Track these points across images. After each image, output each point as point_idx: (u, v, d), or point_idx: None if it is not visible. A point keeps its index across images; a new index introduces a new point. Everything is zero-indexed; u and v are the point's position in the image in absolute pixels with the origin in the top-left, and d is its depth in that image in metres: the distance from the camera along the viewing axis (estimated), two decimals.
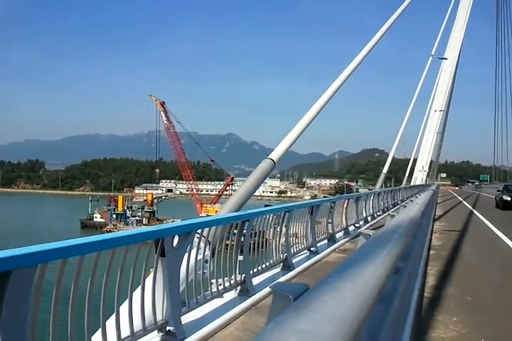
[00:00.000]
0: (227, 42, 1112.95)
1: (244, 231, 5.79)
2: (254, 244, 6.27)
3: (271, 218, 6.89)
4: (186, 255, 4.41)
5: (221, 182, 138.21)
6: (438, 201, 33.53)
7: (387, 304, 2.93)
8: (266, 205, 7.55)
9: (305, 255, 8.50)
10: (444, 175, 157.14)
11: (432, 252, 9.98)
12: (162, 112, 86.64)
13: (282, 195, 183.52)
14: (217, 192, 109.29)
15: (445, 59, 43.46)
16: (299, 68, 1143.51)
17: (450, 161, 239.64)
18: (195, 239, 4.67)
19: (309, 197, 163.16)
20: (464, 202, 35.53)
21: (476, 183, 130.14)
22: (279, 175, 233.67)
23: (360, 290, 1.71)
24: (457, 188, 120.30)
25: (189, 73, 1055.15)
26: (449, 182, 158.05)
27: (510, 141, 77.52)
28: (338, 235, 11.00)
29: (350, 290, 1.65)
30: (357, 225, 13.48)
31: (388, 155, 32.16)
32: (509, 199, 25.49)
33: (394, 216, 5.29)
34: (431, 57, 34.37)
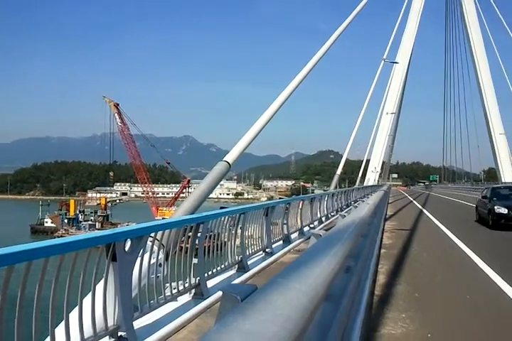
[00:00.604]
0: (182, 44, 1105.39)
1: (200, 233, 5.77)
2: (209, 246, 6.27)
3: (226, 220, 6.91)
4: (139, 259, 4.35)
5: (177, 185, 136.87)
6: (389, 201, 34.57)
7: (337, 303, 3.01)
8: (221, 207, 7.55)
9: (260, 256, 8.55)
10: (395, 175, 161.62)
11: (382, 251, 10.28)
12: (116, 114, 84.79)
13: (239, 196, 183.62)
14: (173, 195, 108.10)
15: (396, 63, 44.94)
16: (255, 70, 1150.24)
17: (401, 162, 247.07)
18: (149, 243, 4.62)
19: (266, 198, 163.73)
20: (414, 201, 36.72)
21: (427, 183, 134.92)
22: (235, 177, 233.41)
23: (307, 290, 1.75)
24: (405, 188, 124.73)
25: (144, 75, 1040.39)
26: (400, 183, 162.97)
27: (458, 143, 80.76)
28: (293, 236, 11.14)
29: (298, 289, 1.69)
30: (311, 226, 13.68)
31: (342, 157, 32.84)
32: (505, 212, 15.51)
33: (345, 216, 5.41)
34: (383, 61, 35.34)
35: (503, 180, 54.78)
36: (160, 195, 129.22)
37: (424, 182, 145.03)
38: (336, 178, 26.46)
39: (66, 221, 75.80)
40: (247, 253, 7.71)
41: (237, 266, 7.19)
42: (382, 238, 12.55)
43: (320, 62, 16.83)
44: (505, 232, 14.45)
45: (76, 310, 3.46)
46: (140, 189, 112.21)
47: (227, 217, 6.92)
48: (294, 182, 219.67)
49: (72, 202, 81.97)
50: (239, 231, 7.34)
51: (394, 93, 54.81)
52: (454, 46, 71.63)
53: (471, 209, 28.27)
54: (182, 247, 5.68)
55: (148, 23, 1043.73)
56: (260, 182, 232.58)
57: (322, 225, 14.62)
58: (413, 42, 57.82)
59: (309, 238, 10.48)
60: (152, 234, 4.65)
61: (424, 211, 24.82)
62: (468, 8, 59.96)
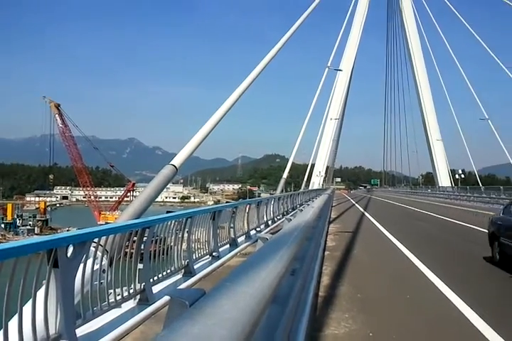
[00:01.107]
0: (128, 45, 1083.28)
1: (145, 238, 5.68)
2: (155, 251, 6.18)
3: (173, 224, 6.83)
4: (82, 265, 4.23)
5: (121, 189, 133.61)
6: (333, 204, 35.42)
7: (283, 305, 3.07)
8: (168, 211, 7.46)
9: (207, 260, 8.52)
10: (339, 179, 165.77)
11: (326, 253, 10.53)
12: (57, 115, 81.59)
13: (186, 200, 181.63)
14: (117, 199, 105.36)
15: (340, 70, 46.21)
16: (203, 73, 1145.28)
17: (345, 166, 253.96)
18: (92, 249, 4.50)
19: (212, 202, 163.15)
20: (356, 205, 37.80)
21: (368, 187, 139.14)
22: (182, 181, 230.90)
23: (254, 293, 1.78)
24: (347, 191, 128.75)
25: (88, 76, 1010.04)
26: (344, 186, 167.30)
27: (397, 148, 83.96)
28: (240, 239, 11.18)
29: (245, 293, 1.71)
30: (258, 229, 13.78)
31: (288, 161, 33.26)
32: None
33: (291, 220, 5.51)
34: (327, 69, 36.22)
35: (439, 184, 57.62)
36: (103, 198, 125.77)
37: (365, 186, 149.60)
38: (282, 182, 26.77)
39: (3, 226, 72.08)
40: (194, 257, 7.67)
41: (183, 270, 7.13)
42: (326, 240, 12.85)
43: (268, 67, 17.07)
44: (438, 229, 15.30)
45: (16, 318, 3.32)
46: (82, 192, 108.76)
47: (173, 221, 6.84)
48: (240, 185, 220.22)
49: (9, 206, 77.92)
50: (185, 235, 7.28)
51: (338, 99, 56.37)
52: (395, 54, 74.54)
53: (409, 211, 29.75)
54: (127, 252, 5.56)
55: (96, 22, 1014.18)
56: (207, 185, 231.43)
57: (268, 229, 14.76)
58: (356, 51, 59.80)
59: (256, 241, 10.55)
60: (96, 240, 4.54)
61: (366, 213, 25.64)
62: (407, 18, 62.73)
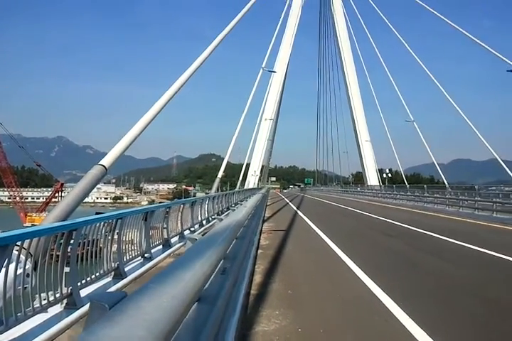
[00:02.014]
0: (56, 42, 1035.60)
1: (72, 240, 5.50)
2: (83, 253, 5.99)
3: (102, 226, 6.65)
4: (4, 270, 4.04)
5: (49, 189, 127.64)
6: (268, 203, 35.92)
7: (212, 304, 3.10)
8: (97, 213, 7.25)
9: (139, 262, 8.37)
10: (274, 178, 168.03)
11: (260, 251, 10.68)
12: None
13: (118, 200, 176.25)
14: (44, 200, 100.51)
15: (274, 72, 46.86)
16: (136, 71, 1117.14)
17: (279, 166, 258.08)
18: (15, 252, 4.30)
19: (147, 202, 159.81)
20: (290, 203, 38.56)
21: (302, 186, 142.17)
22: (114, 181, 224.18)
23: (178, 294, 1.81)
24: (283, 191, 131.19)
25: (14, 70, 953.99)
26: (279, 186, 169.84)
27: (329, 148, 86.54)
28: (174, 240, 11.07)
29: (168, 294, 1.74)
30: (192, 229, 13.71)
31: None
32: None
33: (222, 220, 5.55)
34: (262, 70, 36.60)
35: (368, 183, 60.03)
36: (29, 199, 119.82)
37: (299, 185, 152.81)
38: (216, 182, 26.75)
39: None
40: (125, 259, 7.51)
41: (113, 273, 6.97)
42: (260, 239, 13.04)
43: (203, 66, 17.00)
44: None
45: None
46: (6, 193, 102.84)
47: (102, 223, 6.66)
48: (176, 185, 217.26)
49: None
50: (116, 236, 7.11)
51: (272, 100, 57.17)
52: (327, 57, 76.78)
53: (338, 209, 30.79)
54: (53, 256, 5.36)
55: (23, 15, 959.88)
56: (141, 185, 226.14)
57: (203, 228, 14.72)
58: (290, 53, 60.92)
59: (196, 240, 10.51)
60: (19, 243, 4.34)
61: (298, 212, 26.24)
62: (338, 21, 64.80)
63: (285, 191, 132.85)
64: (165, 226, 10.31)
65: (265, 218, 21.16)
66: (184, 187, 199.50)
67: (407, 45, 46.86)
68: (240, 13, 22.36)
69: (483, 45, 33.29)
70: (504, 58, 30.98)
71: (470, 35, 34.51)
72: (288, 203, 39.20)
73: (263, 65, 37.49)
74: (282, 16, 49.61)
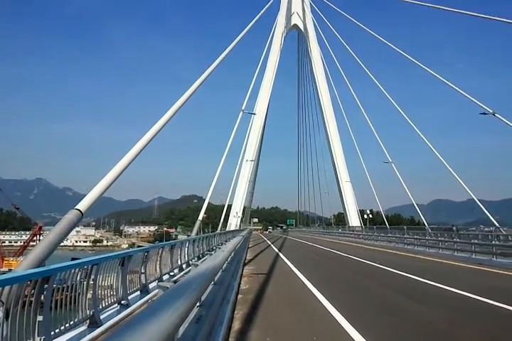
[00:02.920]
0: (35, 83, 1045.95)
1: (46, 287, 5.37)
2: (58, 301, 5.83)
3: (78, 272, 6.51)
4: None
5: (28, 232, 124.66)
6: (249, 245, 35.58)
7: None
8: (73, 258, 7.13)
9: (115, 309, 8.15)
10: (256, 220, 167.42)
11: (239, 296, 10.52)
12: None
13: (98, 244, 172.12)
14: (22, 244, 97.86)
15: (254, 114, 47.78)
16: (119, 112, 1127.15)
17: (262, 207, 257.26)
18: None
19: (127, 245, 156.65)
20: (272, 245, 38.21)
21: (284, 227, 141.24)
22: (94, 223, 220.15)
23: None
24: (265, 232, 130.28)
25: None
26: (261, 227, 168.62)
27: (310, 189, 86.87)
28: (152, 285, 10.82)
29: None
30: (172, 273, 13.46)
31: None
32: None
33: (197, 265, 5.51)
34: (242, 112, 37.31)
35: (350, 224, 60.15)
36: (7, 243, 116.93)
37: (282, 227, 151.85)
38: (197, 224, 26.52)
39: None
40: (100, 306, 7.32)
41: (88, 321, 6.76)
42: (240, 283, 12.85)
43: (184, 107, 17.25)
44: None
45: None
46: None
47: (78, 269, 6.54)
48: (157, 227, 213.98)
49: None
50: (92, 283, 6.95)
51: (253, 141, 58.02)
52: (306, 100, 78.72)
53: (320, 251, 30.62)
54: (25, 304, 5.21)
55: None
56: (121, 228, 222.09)
57: (182, 273, 14.46)
58: (269, 96, 62.53)
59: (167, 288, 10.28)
60: None
61: (280, 254, 26.02)
62: (316, 66, 67.07)
63: (267, 232, 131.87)
64: (143, 271, 10.11)
65: (246, 261, 20.92)
66: (165, 229, 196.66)
67: (383, 89, 48.53)
68: (220, 56, 22.99)
69: (457, 88, 34.62)
70: (477, 101, 32.16)
71: (443, 79, 36.02)
72: (270, 245, 38.87)
73: (243, 108, 38.22)
74: (261, 60, 51.24)
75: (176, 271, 14.39)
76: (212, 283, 6.87)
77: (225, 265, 9.48)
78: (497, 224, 30.59)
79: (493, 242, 21.08)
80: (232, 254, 12.71)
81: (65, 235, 7.81)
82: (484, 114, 30.91)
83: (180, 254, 15.84)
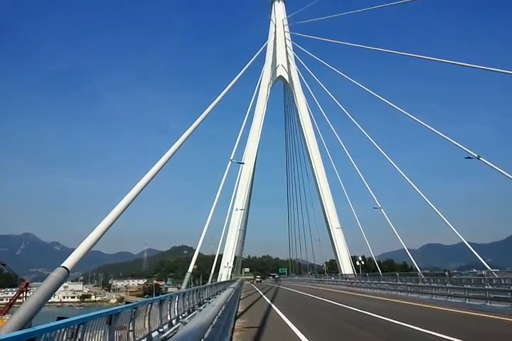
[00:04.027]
0: (22, 135, 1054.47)
1: None
2: None
3: (64, 332, 6.36)
4: None
5: (14, 289, 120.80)
6: (241, 297, 34.79)
7: None
8: (59, 318, 6.98)
9: None
10: (247, 269, 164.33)
11: None
12: None
13: (86, 299, 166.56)
14: (8, 301, 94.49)
15: (242, 163, 48.34)
16: (106, 164, 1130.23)
17: (253, 256, 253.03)
18: None
19: (116, 300, 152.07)
20: (264, 296, 37.39)
21: (276, 276, 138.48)
22: (82, 278, 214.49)
23: None
24: (256, 282, 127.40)
25: None
26: (253, 276, 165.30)
27: (302, 236, 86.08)
28: None
29: None
30: (161, 330, 13.08)
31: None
32: None
33: (186, 323, 5.46)
34: (230, 162, 37.73)
35: (342, 271, 59.32)
36: None
37: (274, 276, 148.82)
38: (187, 276, 26.02)
39: None
40: None
41: None
42: (231, 338, 12.51)
43: (174, 158, 17.43)
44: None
45: None
46: None
47: (64, 329, 6.39)
48: (146, 280, 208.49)
49: None
50: None
51: (242, 190, 58.24)
52: (295, 148, 79.81)
53: (313, 300, 30.02)
54: None
55: None
56: (110, 282, 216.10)
57: (172, 328, 14.06)
58: (257, 146, 63.57)
59: None
60: None
61: (272, 305, 25.44)
62: (303, 116, 68.80)
63: (260, 282, 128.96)
64: (131, 328, 9.85)
65: (238, 314, 20.41)
66: (155, 282, 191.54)
67: (368, 136, 49.63)
68: (208, 108, 23.49)
69: (442, 135, 35.43)
70: (461, 146, 32.91)
71: (428, 126, 36.99)
72: (262, 296, 38.01)
73: (231, 157, 38.65)
74: (249, 110, 52.32)
75: (166, 327, 13.99)
76: (202, 340, 6.73)
77: (215, 320, 9.30)
78: (489, 268, 30.52)
79: (486, 286, 20.94)
80: (223, 307, 12.48)
81: (50, 294, 7.67)
82: (469, 158, 31.60)
83: (170, 309, 15.45)
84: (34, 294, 7.87)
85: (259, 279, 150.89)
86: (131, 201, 13.44)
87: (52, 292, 7.81)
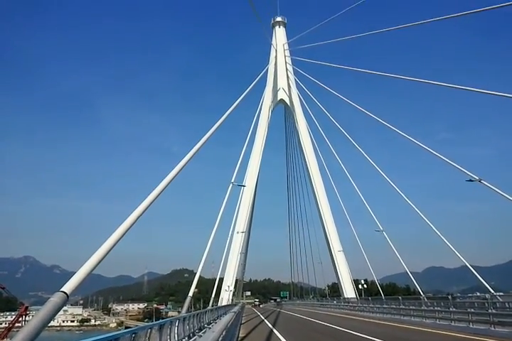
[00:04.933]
0: (18, 157, 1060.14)
1: None
2: None
3: None
4: None
5: (13, 313, 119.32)
6: (242, 321, 34.37)
7: None
8: None
9: None
10: (248, 293, 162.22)
11: None
12: None
13: (85, 323, 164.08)
14: (7, 325, 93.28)
15: (244, 186, 48.44)
16: (106, 187, 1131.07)
17: (254, 279, 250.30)
18: None
19: (115, 324, 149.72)
20: (265, 320, 36.93)
21: (278, 300, 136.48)
22: (81, 302, 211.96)
23: None
24: (257, 306, 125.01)
25: None
26: (253, 300, 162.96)
27: (303, 259, 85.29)
28: None
29: None
30: None
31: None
32: None
33: None
34: (231, 184, 37.83)
35: (345, 295, 58.60)
36: None
37: (275, 299, 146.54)
38: (188, 300, 25.71)
39: None
40: None
41: None
42: None
43: (175, 181, 17.49)
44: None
45: None
46: None
47: None
48: (146, 304, 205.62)
49: None
50: None
51: (244, 212, 58.19)
52: (296, 171, 79.98)
53: (316, 325, 29.63)
54: None
55: None
56: (109, 305, 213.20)
57: None
58: (258, 168, 63.82)
59: None
60: None
61: (274, 330, 25.14)
62: (304, 139, 69.21)
63: (262, 306, 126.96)
64: None
65: (239, 339, 20.17)
66: (155, 306, 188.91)
67: (369, 158, 49.85)
68: (209, 131, 23.62)
69: (443, 157, 35.55)
70: (463, 169, 32.94)
71: (430, 149, 37.13)
72: (264, 320, 37.53)
73: (232, 180, 38.75)
74: (250, 133, 52.75)
75: None
76: None
77: None
78: (492, 291, 30.19)
79: (490, 310, 20.69)
80: (224, 333, 12.34)
81: (49, 320, 7.60)
82: (471, 181, 31.61)
83: (170, 334, 15.27)
84: (32, 320, 7.81)
85: (257, 303, 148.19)
86: (132, 224, 13.41)
87: (51, 317, 7.77)
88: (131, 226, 13.33)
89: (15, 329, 76.95)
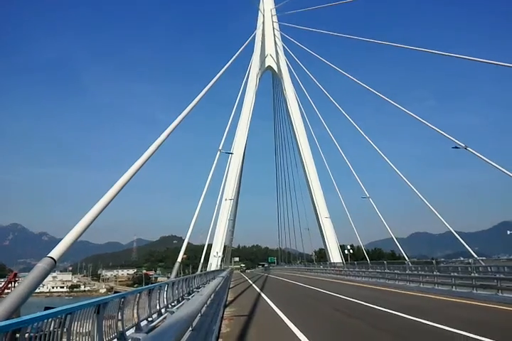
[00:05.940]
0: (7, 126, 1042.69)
1: None
2: None
3: (51, 322, 6.30)
4: None
5: (2, 280, 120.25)
6: (230, 286, 34.94)
7: None
8: (46, 307, 6.92)
9: None
10: (237, 259, 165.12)
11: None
12: None
13: (75, 289, 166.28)
14: None
15: (231, 153, 48.15)
16: (91, 156, 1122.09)
17: (242, 245, 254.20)
18: None
19: (105, 290, 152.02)
20: (253, 285, 37.58)
21: (266, 265, 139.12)
22: (71, 268, 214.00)
23: None
24: (245, 271, 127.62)
25: None
26: (242, 265, 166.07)
27: (291, 226, 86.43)
28: (130, 332, 10.48)
29: None
30: (150, 319, 13.08)
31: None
32: None
33: (173, 312, 5.43)
34: (219, 152, 37.54)
35: (331, 260, 59.79)
36: None
37: (263, 265, 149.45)
38: (176, 266, 25.96)
39: None
40: None
41: None
42: (220, 326, 12.56)
43: (161, 148, 17.26)
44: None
45: None
46: None
47: (51, 319, 6.33)
48: (136, 270, 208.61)
49: None
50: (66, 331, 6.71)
51: (232, 180, 58.19)
52: (283, 138, 79.71)
53: (302, 288, 30.23)
54: None
55: None
56: (99, 272, 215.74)
57: (161, 317, 14.06)
58: (246, 135, 63.38)
59: (147, 332, 9.96)
60: None
61: (262, 294, 25.58)
62: (292, 106, 68.64)
63: (249, 271, 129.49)
64: (119, 318, 9.81)
65: (227, 302, 20.50)
66: (144, 272, 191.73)
67: (356, 126, 49.71)
68: (196, 98, 23.21)
69: (429, 124, 35.59)
70: (449, 136, 33.01)
71: (417, 116, 37.12)
72: (251, 285, 38.22)
73: (220, 147, 38.43)
74: (237, 101, 51.96)
75: (155, 316, 13.99)
76: (190, 328, 6.72)
77: (204, 309, 9.30)
78: (476, 256, 30.92)
79: (473, 274, 21.22)
80: (213, 296, 12.49)
81: (37, 285, 7.59)
82: (456, 147, 31.74)
83: (159, 298, 15.44)
84: (20, 285, 7.78)
85: (244, 268, 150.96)
86: (119, 191, 13.29)
87: (38, 282, 7.74)
88: (117, 193, 13.20)
89: (4, 296, 77.70)
